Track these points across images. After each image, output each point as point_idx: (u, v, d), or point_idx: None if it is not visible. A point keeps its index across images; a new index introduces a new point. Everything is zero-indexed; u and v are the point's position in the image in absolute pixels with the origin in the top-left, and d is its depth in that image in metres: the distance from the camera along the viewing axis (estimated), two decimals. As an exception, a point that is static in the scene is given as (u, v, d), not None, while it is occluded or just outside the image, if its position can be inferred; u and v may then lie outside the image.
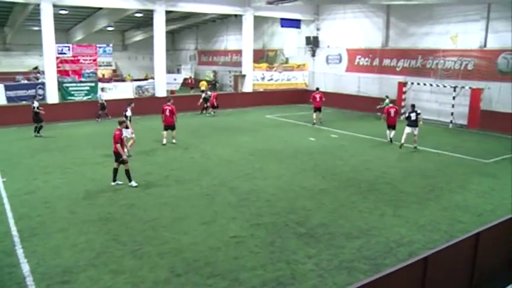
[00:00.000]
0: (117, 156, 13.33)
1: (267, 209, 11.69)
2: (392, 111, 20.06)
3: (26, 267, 8.35)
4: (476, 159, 17.51)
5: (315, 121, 25.04)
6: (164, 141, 19.12)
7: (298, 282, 8.02)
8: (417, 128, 18.78)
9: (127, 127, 16.24)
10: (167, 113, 19.04)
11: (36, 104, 21.56)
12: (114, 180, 13.54)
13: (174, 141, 19.32)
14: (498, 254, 8.41)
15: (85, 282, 7.90)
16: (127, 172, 13.41)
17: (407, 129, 18.87)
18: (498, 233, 8.19)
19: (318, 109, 25.05)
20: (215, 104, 29.02)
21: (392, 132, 20.06)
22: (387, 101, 25.43)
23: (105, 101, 26.41)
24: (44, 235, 9.83)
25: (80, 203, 11.96)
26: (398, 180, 14.50)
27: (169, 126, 19.22)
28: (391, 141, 20.04)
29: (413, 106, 19.30)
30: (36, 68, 45.33)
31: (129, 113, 18.07)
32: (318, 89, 26.66)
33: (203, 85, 36.95)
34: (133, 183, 13.39)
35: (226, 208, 11.73)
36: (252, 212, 11.48)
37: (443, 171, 15.64)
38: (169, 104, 19.29)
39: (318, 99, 24.90)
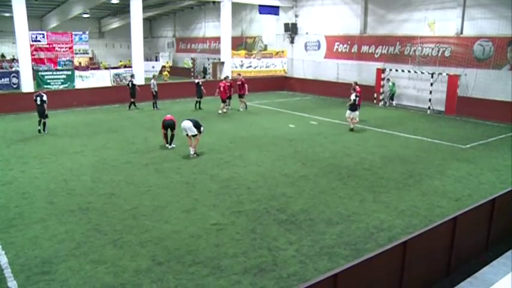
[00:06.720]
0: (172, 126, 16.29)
1: (248, 196, 11.71)
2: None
3: (3, 259, 8.23)
4: (454, 144, 17.77)
5: (225, 110, 24.53)
6: (223, 111, 24.22)
7: (280, 268, 8.07)
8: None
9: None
10: (221, 88, 24.09)
11: (134, 80, 25.42)
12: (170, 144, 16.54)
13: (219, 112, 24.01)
14: (475, 237, 8.59)
15: (65, 272, 7.81)
16: (173, 136, 16.45)
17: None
18: (475, 217, 8.36)
19: (225, 100, 24.53)
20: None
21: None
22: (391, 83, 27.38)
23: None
24: (22, 226, 9.68)
25: (59, 193, 11.79)
26: (378, 166, 14.64)
27: (223, 99, 24.21)
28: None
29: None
30: (2, 55, 44.56)
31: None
32: (226, 77, 26.68)
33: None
34: (173, 145, 16.51)
35: (207, 196, 11.71)
36: (232, 199, 11.48)
37: (421, 157, 15.83)
38: (224, 81, 24.78)
39: (222, 89, 24.31)
